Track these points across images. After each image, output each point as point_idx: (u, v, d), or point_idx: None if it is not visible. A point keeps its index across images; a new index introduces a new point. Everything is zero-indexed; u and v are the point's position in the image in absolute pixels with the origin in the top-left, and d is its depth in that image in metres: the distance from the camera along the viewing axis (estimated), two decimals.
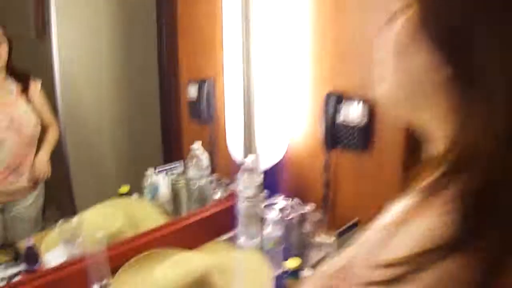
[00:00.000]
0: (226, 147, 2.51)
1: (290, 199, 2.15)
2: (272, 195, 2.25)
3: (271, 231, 1.91)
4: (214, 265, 1.82)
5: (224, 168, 2.52)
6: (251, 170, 2.09)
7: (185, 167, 2.54)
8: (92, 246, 1.70)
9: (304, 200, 2.17)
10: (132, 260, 1.91)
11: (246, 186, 2.08)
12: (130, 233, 2.06)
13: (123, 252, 1.90)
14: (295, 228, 2.07)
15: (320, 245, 2.14)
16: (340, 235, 1.99)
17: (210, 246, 2.17)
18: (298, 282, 1.83)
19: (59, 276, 1.73)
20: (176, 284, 1.66)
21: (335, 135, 2.16)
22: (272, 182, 2.19)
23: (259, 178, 2.10)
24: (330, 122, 2.14)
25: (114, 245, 1.87)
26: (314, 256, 2.12)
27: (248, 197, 2.09)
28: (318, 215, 2.18)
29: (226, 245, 2.20)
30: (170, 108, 2.73)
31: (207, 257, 1.81)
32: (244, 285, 1.80)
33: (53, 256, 1.87)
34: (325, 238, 2.16)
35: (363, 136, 2.11)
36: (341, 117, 2.13)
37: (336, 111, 2.13)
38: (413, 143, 2.08)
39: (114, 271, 1.80)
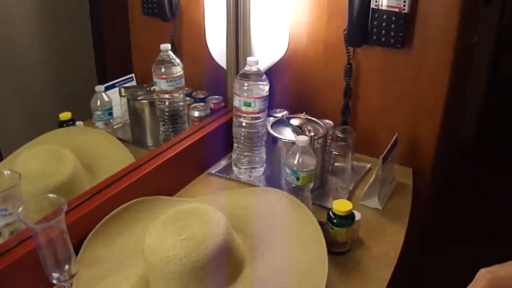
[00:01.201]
0: (196, 50, 1.77)
1: (301, 114, 1.46)
2: (270, 109, 1.56)
3: (299, 160, 1.23)
4: (232, 215, 1.15)
5: (194, 78, 1.78)
6: (253, 77, 1.38)
7: (138, 82, 1.81)
8: (38, 212, 0.99)
9: (314, 115, 1.49)
10: (104, 221, 1.20)
11: (245, 100, 1.37)
12: (86, 181, 1.34)
13: (87, 213, 1.18)
14: (319, 153, 1.40)
15: (344, 172, 1.48)
16: (384, 159, 1.34)
17: (201, 183, 1.49)
18: (349, 231, 1.18)
19: None
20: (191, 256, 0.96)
21: (362, 27, 1.46)
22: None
23: (266, 88, 1.39)
24: (357, 8, 1.44)
25: (69, 205, 1.14)
26: (340, 188, 1.47)
27: (248, 114, 1.40)
28: (341, 134, 1.51)
29: (223, 181, 1.51)
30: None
31: (214, 208, 1.11)
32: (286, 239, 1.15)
33: None
34: (347, 162, 1.50)
35: (401, 29, 1.45)
36: (373, 2, 1.44)
37: None
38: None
39: (77, 245, 1.11)
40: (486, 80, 3.51)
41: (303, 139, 1.23)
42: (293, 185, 1.27)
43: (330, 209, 1.19)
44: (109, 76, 1.80)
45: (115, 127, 1.68)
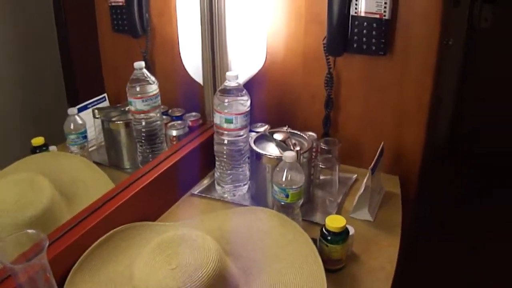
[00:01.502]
0: (170, 66, 1.72)
1: (284, 128, 1.42)
2: (250, 124, 1.51)
3: (287, 177, 1.18)
4: (221, 238, 1.12)
5: (170, 95, 1.73)
6: (233, 93, 1.34)
7: (111, 102, 1.75)
8: (16, 248, 0.92)
9: (295, 128, 1.45)
10: (87, 252, 1.13)
11: (226, 117, 1.33)
12: (64, 209, 1.27)
13: (69, 246, 1.11)
14: (305, 167, 1.36)
15: (332, 185, 1.44)
16: (373, 169, 1.31)
17: (184, 205, 1.43)
18: (344, 248, 1.14)
19: None
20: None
21: (342, 36, 1.43)
22: None
23: (247, 103, 1.35)
24: (337, 16, 1.41)
25: (49, 238, 1.08)
26: (328, 201, 1.43)
27: (230, 132, 1.36)
28: (326, 146, 1.47)
29: (206, 202, 1.46)
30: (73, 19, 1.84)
31: (202, 233, 1.07)
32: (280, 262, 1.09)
33: None
34: (333, 175, 1.46)
35: (383, 36, 1.42)
36: (353, 9, 1.40)
37: (346, 1, 1.41)
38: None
39: (60, 281, 1.06)
40: (457, 81, 3.53)
41: (290, 154, 1.19)
42: (282, 203, 1.22)
43: (323, 225, 1.15)
44: (81, 97, 1.73)
45: (90, 150, 1.62)
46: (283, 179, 1.19)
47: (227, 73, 1.35)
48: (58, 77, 1.80)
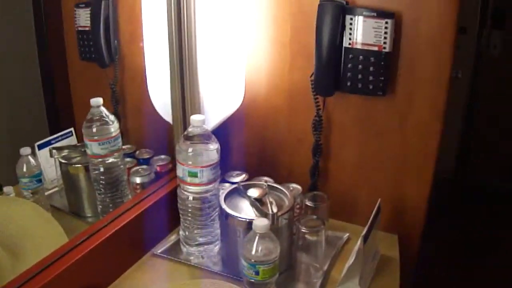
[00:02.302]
0: (139, 101, 1.47)
1: (263, 179, 1.16)
2: (225, 172, 1.25)
3: (257, 250, 0.92)
4: None
5: (138, 134, 1.48)
6: (199, 140, 1.07)
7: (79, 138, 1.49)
8: None
9: (278, 178, 1.19)
10: None
11: (189, 170, 1.07)
12: (7, 266, 1.05)
13: None
14: (285, 230, 1.08)
15: (317, 248, 1.16)
16: (366, 237, 1.03)
17: (142, 268, 1.17)
18: None
19: None
20: None
21: (333, 71, 1.17)
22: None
23: (215, 154, 1.08)
24: (327, 48, 1.14)
25: None
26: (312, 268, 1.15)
27: (195, 187, 1.10)
28: (312, 203, 1.20)
29: (169, 265, 1.19)
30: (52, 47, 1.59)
31: None
32: None
33: None
34: (319, 236, 1.17)
35: (382, 72, 1.16)
36: (347, 40, 1.14)
37: (338, 31, 1.15)
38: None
39: None
40: (463, 113, 3.27)
41: (261, 223, 0.93)
42: (252, 280, 0.95)
43: None
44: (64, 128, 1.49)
45: (50, 192, 1.38)
46: (252, 252, 0.93)
47: (192, 117, 1.08)
48: (40, 104, 1.56)
